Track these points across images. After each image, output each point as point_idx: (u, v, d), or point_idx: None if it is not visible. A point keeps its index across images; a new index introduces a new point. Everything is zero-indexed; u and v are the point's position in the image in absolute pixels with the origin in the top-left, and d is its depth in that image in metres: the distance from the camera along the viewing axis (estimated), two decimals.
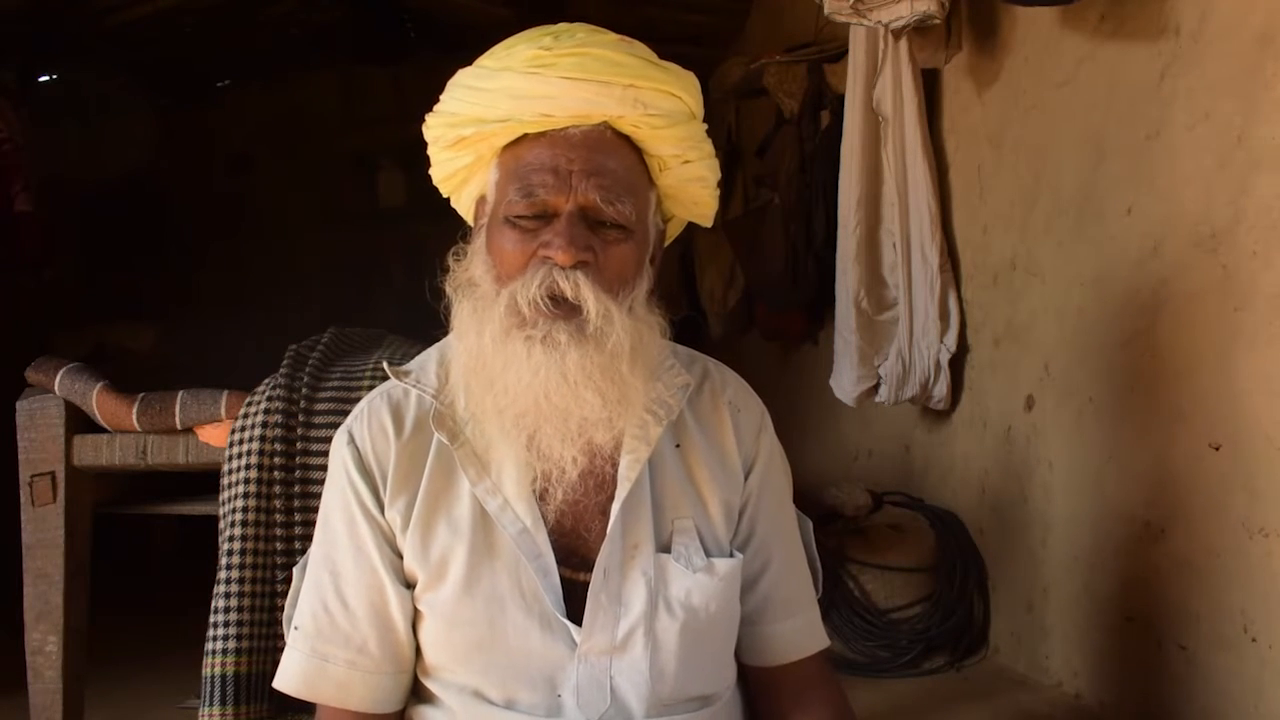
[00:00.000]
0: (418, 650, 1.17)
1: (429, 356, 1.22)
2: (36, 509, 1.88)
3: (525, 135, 1.12)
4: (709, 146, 1.19)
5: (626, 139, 1.13)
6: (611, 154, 1.11)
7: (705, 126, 1.19)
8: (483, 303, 1.11)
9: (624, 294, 1.10)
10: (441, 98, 1.17)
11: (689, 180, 1.19)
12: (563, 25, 1.13)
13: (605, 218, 1.09)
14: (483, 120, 1.12)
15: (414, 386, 1.18)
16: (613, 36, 1.13)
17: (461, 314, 1.14)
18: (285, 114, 6.09)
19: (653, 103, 1.11)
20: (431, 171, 1.23)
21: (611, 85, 1.09)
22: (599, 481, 1.14)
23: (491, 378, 1.08)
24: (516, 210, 1.09)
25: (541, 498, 1.12)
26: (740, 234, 4.35)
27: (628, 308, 1.10)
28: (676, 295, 4.98)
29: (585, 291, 1.05)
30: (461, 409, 1.15)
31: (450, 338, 1.19)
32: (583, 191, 1.07)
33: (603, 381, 1.06)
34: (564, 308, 1.06)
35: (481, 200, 1.19)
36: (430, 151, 1.21)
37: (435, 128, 1.18)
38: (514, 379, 1.06)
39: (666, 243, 1.26)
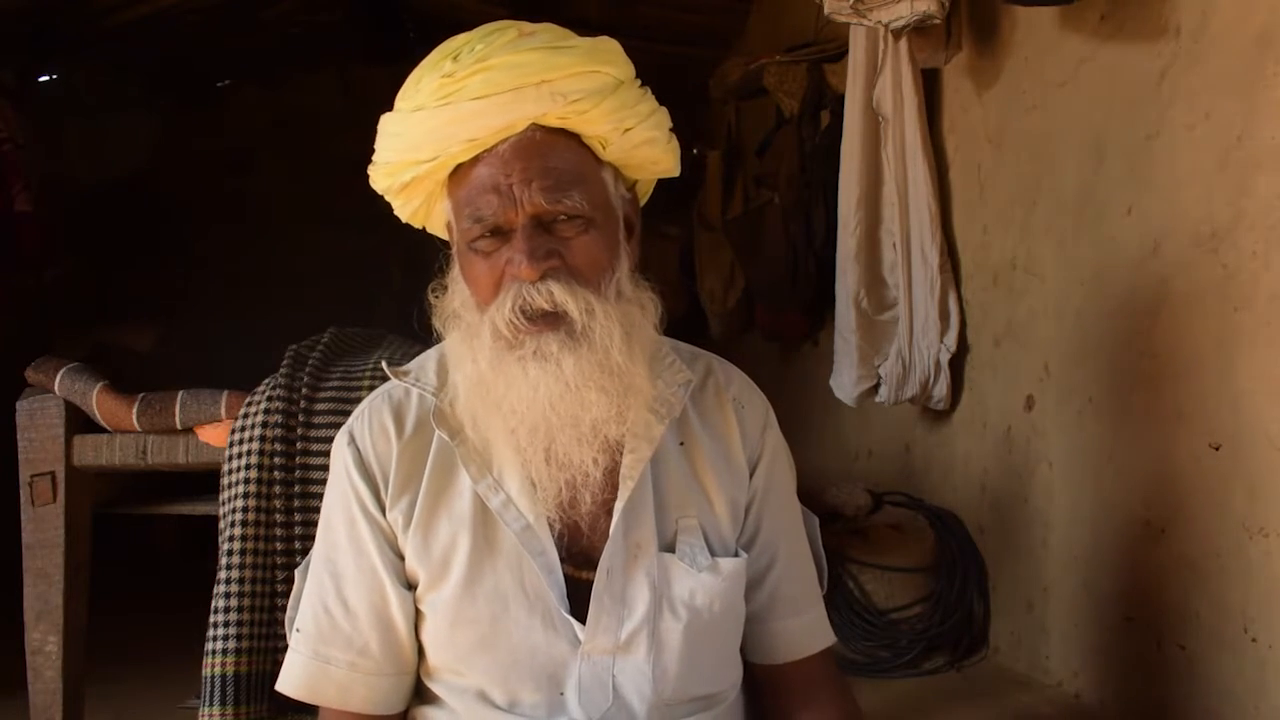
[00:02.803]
0: (421, 652, 1.16)
1: (428, 356, 1.22)
2: (36, 509, 1.88)
3: (462, 162, 1.11)
4: (648, 105, 1.15)
5: (560, 130, 1.10)
6: (547, 153, 1.08)
7: (639, 85, 1.15)
8: (469, 331, 1.11)
9: (605, 281, 1.09)
10: (375, 146, 1.15)
11: (636, 146, 1.15)
12: (463, 38, 1.10)
13: (559, 214, 1.07)
14: (415, 162, 1.11)
15: (414, 385, 1.18)
16: (513, 33, 1.09)
17: (455, 346, 1.14)
18: (285, 114, 6.08)
19: (571, 88, 1.07)
20: (396, 213, 1.22)
21: (523, 88, 1.05)
22: (605, 470, 1.13)
23: (497, 401, 1.08)
24: (473, 236, 1.08)
25: (572, 506, 1.11)
26: (740, 234, 4.35)
27: (614, 293, 1.09)
28: (676, 295, 4.98)
29: (561, 296, 1.05)
30: (462, 407, 1.15)
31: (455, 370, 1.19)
32: (528, 200, 1.06)
33: (603, 379, 1.06)
34: (545, 318, 1.05)
35: (450, 225, 1.18)
36: (387, 198, 1.20)
37: (378, 179, 1.17)
38: (518, 399, 1.06)
39: (642, 202, 1.24)
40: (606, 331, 1.06)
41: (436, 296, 1.17)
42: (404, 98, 1.11)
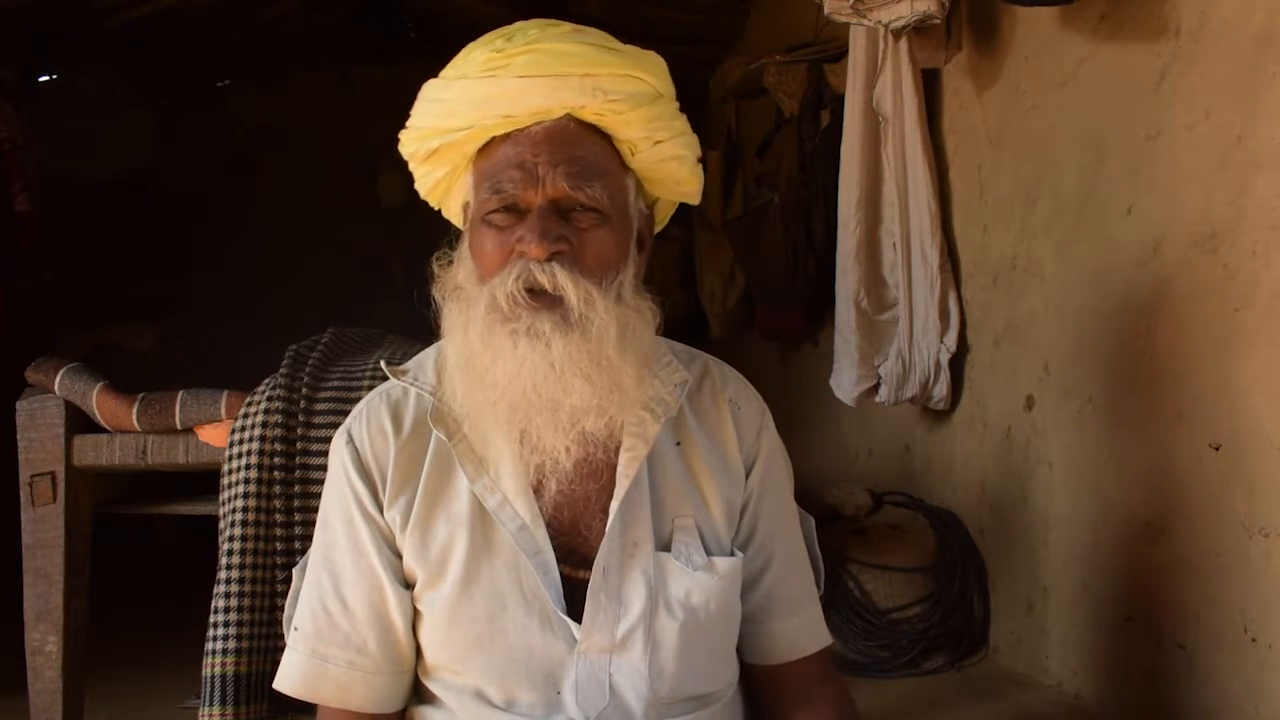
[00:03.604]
0: (418, 650, 1.17)
1: (427, 355, 1.23)
2: (36, 509, 1.88)
3: (494, 138, 1.13)
4: (681, 123, 1.18)
5: (593, 127, 1.13)
6: (577, 143, 1.10)
7: (676, 104, 1.17)
8: (467, 302, 1.11)
9: (608, 280, 1.09)
10: (412, 112, 1.17)
11: (664, 160, 1.17)
12: (518, 24, 1.13)
13: (577, 203, 1.08)
14: (449, 130, 1.13)
15: (411, 385, 1.19)
16: (566, 27, 1.12)
17: (450, 315, 1.14)
18: (285, 114, 6.09)
19: (613, 88, 1.10)
20: (416, 186, 1.24)
21: (567, 77, 1.08)
22: (599, 479, 1.14)
23: (481, 373, 1.09)
24: (489, 208, 1.10)
25: (537, 491, 1.12)
26: (740, 234, 4.35)
27: (615, 294, 1.09)
28: (676, 295, 4.98)
29: (563, 280, 1.06)
30: (459, 406, 1.15)
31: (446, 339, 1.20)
32: (551, 182, 1.08)
33: (590, 368, 1.06)
34: (544, 299, 1.06)
35: (466, 206, 1.19)
36: (410, 167, 1.22)
37: (407, 144, 1.19)
38: (501, 372, 1.07)
39: (658, 228, 1.25)
40: (603, 325, 1.07)
41: (441, 266, 1.18)
42: (450, 66, 1.14)
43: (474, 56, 1.11)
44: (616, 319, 1.08)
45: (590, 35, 1.13)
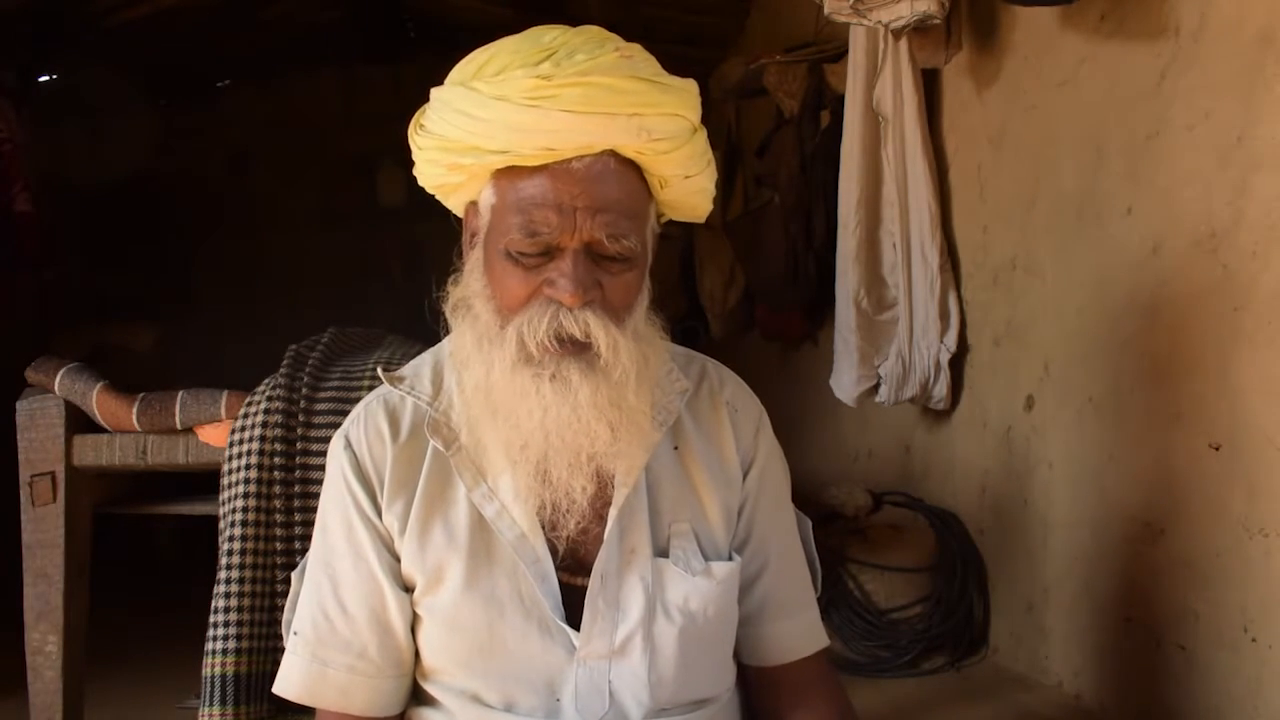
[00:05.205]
0: (416, 653, 1.16)
1: (423, 362, 1.21)
2: (36, 509, 1.88)
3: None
4: (709, 153, 1.16)
5: (630, 162, 1.09)
6: (614, 183, 1.07)
7: (704, 132, 1.15)
8: (487, 334, 1.09)
9: (628, 318, 1.08)
10: (430, 114, 1.11)
11: (691, 193, 1.16)
12: (558, 37, 1.07)
13: (610, 254, 1.06)
14: (480, 150, 1.08)
15: (409, 394, 1.18)
16: (613, 54, 1.06)
17: (464, 342, 1.12)
18: (285, 114, 6.09)
19: (657, 128, 1.06)
20: (417, 175, 1.19)
21: (616, 116, 1.04)
22: (598, 486, 1.13)
23: (496, 408, 1.07)
24: (519, 247, 1.06)
25: (553, 528, 1.11)
26: (740, 234, 4.35)
27: (632, 330, 1.08)
28: (676, 295, 4.98)
29: (595, 330, 1.04)
30: (456, 416, 1.14)
31: (445, 344, 1.18)
32: (588, 230, 1.04)
33: (612, 412, 1.06)
34: (572, 344, 1.04)
35: (473, 205, 1.15)
36: (419, 163, 1.17)
37: (427, 149, 1.13)
38: (525, 414, 1.05)
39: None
40: (625, 370, 1.06)
41: (456, 284, 1.15)
42: (484, 80, 1.06)
43: (515, 78, 1.03)
44: (636, 359, 1.07)
45: (639, 66, 1.07)
